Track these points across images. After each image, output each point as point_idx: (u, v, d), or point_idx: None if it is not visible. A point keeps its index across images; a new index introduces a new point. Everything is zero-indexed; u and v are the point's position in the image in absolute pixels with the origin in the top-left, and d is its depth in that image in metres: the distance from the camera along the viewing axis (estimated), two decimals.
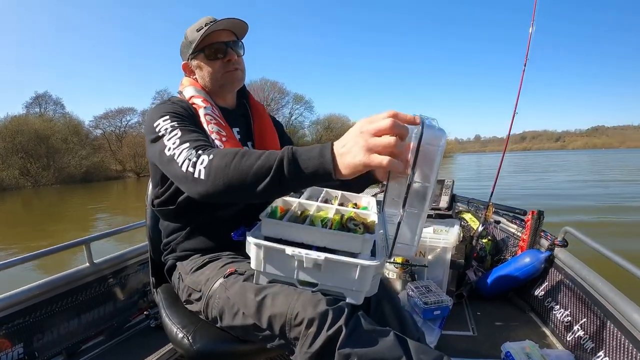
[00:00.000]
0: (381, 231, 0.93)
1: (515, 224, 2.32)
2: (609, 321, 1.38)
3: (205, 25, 1.11)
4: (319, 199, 1.16)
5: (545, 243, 1.94)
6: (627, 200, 10.36)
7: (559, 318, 1.68)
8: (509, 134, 2.47)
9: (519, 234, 2.22)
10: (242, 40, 1.19)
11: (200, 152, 0.82)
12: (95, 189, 23.25)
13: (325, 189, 1.23)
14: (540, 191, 13.37)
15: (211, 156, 0.80)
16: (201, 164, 0.80)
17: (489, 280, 2.06)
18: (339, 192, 1.22)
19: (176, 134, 0.91)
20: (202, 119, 1.06)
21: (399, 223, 0.81)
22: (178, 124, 0.95)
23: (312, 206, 1.04)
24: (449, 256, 2.00)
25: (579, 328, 1.52)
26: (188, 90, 1.14)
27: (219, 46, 1.11)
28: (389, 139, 0.66)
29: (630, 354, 1.26)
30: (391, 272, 2.13)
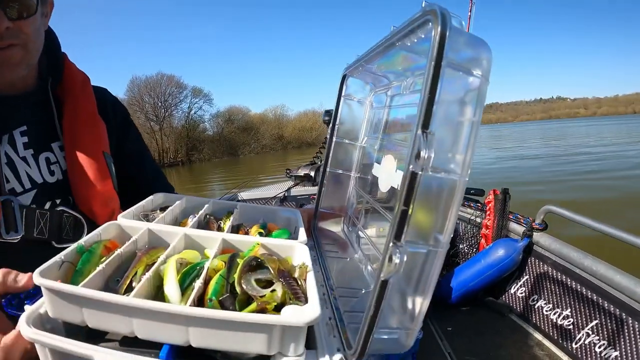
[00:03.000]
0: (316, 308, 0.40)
1: (470, 207, 1.98)
2: (630, 318, 1.06)
3: None
4: (196, 219, 0.62)
5: (517, 228, 1.61)
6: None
7: (553, 320, 1.34)
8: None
9: (477, 219, 1.87)
10: None
11: None
12: None
13: (218, 200, 0.72)
14: None
15: None
16: None
17: (453, 284, 1.66)
18: (238, 204, 0.70)
19: None
20: None
21: (384, 282, 0.38)
22: None
23: (175, 237, 0.55)
24: None
25: (589, 333, 1.19)
26: None
27: None
28: None
29: None
30: None
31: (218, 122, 39.97)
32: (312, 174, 2.95)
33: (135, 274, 0.44)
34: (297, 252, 0.54)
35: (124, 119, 0.95)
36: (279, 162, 24.51)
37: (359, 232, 0.74)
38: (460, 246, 2.02)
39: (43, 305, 0.42)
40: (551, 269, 1.39)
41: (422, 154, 0.31)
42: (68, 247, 0.56)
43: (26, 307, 0.44)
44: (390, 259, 0.35)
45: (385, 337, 0.41)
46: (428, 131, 0.32)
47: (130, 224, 0.59)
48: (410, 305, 0.41)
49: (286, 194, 2.84)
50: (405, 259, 0.35)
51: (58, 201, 0.79)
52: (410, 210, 0.33)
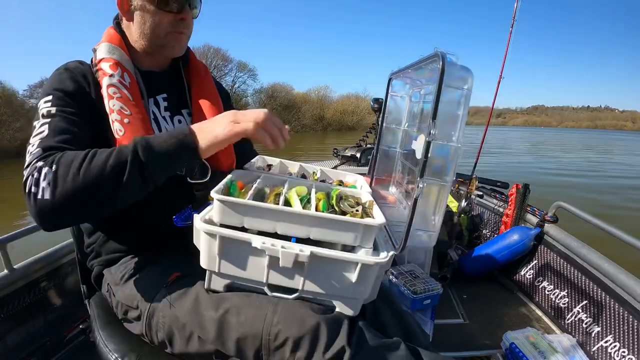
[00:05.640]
0: (382, 218, 0.68)
1: (496, 197, 2.19)
2: (613, 301, 1.28)
3: None
4: (294, 174, 0.89)
5: (532, 219, 1.82)
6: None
7: (552, 300, 1.56)
8: (494, 102, 2.32)
9: (500, 209, 2.09)
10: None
11: (42, 162, 0.64)
12: None
13: (300, 163, 0.98)
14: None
15: (54, 167, 0.63)
16: (44, 179, 0.63)
17: (473, 260, 1.91)
18: (317, 167, 0.96)
19: (43, 131, 0.72)
20: (104, 92, 0.82)
21: (415, 200, 0.60)
22: (57, 110, 0.75)
23: (285, 182, 0.79)
24: None
25: (579, 311, 1.41)
26: (100, 49, 0.87)
27: None
28: (256, 112, 0.69)
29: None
30: None
31: (261, 97, 40.16)
32: (358, 155, 3.21)
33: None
34: (364, 195, 0.79)
35: (227, 99, 1.17)
36: (318, 143, 24.52)
37: (404, 189, 1.01)
38: (484, 231, 2.24)
39: (208, 214, 0.72)
40: (556, 256, 1.61)
41: (432, 131, 0.57)
42: (197, 182, 0.85)
43: (195, 215, 0.66)
44: (419, 186, 0.61)
45: (417, 235, 0.68)
46: (435, 120, 0.58)
47: (249, 171, 0.86)
48: (430, 218, 0.68)
49: None
50: (425, 185, 0.61)
51: None
52: (427, 160, 0.59)
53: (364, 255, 0.63)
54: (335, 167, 3.16)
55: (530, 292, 1.72)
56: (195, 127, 0.69)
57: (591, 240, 1.54)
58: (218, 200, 0.63)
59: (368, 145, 3.42)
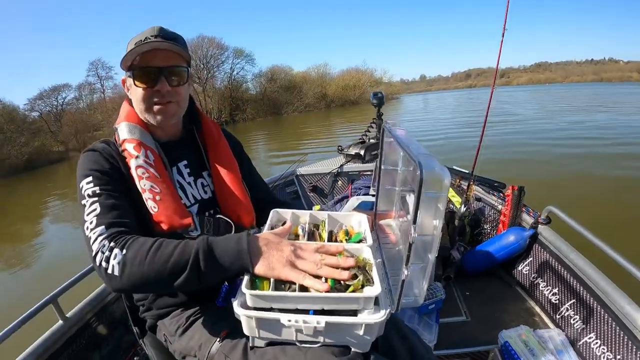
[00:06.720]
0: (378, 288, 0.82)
1: (494, 195, 2.33)
2: (596, 303, 1.43)
3: (144, 40, 0.93)
4: (305, 228, 1.04)
5: (527, 219, 1.96)
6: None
7: (546, 295, 1.73)
8: (498, 63, 2.32)
9: (498, 206, 2.23)
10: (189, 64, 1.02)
11: (113, 244, 0.78)
12: (40, 176, 21.64)
13: (309, 211, 1.12)
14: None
15: (124, 251, 0.77)
16: (114, 258, 0.77)
17: (474, 259, 2.08)
18: (325, 214, 1.11)
19: (95, 209, 0.85)
20: (134, 173, 0.94)
21: (403, 281, 0.76)
22: (100, 189, 0.88)
23: None
24: None
25: (568, 308, 1.57)
26: (122, 130, 0.99)
27: (149, 71, 0.95)
28: (311, 265, 0.78)
29: (619, 339, 1.30)
30: None
31: (261, 81, 39.70)
32: (362, 152, 3.32)
33: None
34: (365, 251, 0.91)
35: (240, 151, 1.26)
36: (323, 122, 24.16)
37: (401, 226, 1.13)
38: (484, 227, 2.40)
39: (242, 296, 0.79)
40: (548, 255, 1.76)
41: (413, 234, 0.70)
42: None
43: (233, 300, 0.78)
44: (404, 273, 0.76)
45: (406, 301, 0.82)
46: (415, 225, 0.71)
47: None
48: (419, 283, 0.82)
49: (339, 170, 3.27)
50: (409, 272, 0.76)
51: (211, 211, 1.07)
52: (410, 254, 0.74)
53: (366, 316, 0.79)
54: (341, 166, 3.29)
55: (527, 287, 1.89)
56: (257, 247, 0.78)
57: (583, 239, 1.65)
58: (250, 295, 0.76)
59: (371, 141, 3.53)
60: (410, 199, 0.94)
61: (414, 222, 0.69)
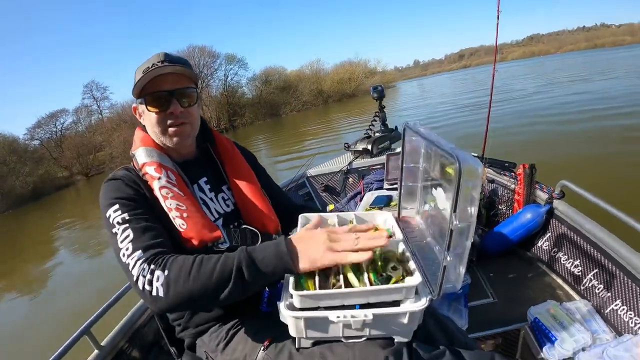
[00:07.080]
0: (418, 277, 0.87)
1: (505, 175, 2.36)
2: (618, 270, 1.47)
3: (151, 67, 0.97)
4: (334, 224, 1.09)
5: (542, 195, 2.00)
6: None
7: (568, 268, 1.76)
8: (496, 43, 2.35)
9: (512, 185, 2.26)
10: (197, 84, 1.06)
11: (153, 266, 0.80)
12: (47, 204, 21.80)
13: (336, 214, 1.17)
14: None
15: (166, 271, 0.79)
16: (157, 280, 0.79)
17: (492, 240, 2.12)
18: (352, 215, 1.15)
19: (128, 235, 0.86)
20: (158, 194, 0.97)
21: (445, 267, 0.81)
22: (129, 215, 0.89)
23: None
24: None
25: (591, 278, 1.61)
26: (140, 155, 1.02)
27: (160, 95, 0.99)
28: (349, 243, 0.80)
29: None
30: None
31: (256, 85, 39.81)
32: (369, 147, 3.34)
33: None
34: (399, 245, 0.95)
35: (254, 162, 1.28)
36: (322, 119, 23.89)
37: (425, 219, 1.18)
38: (500, 207, 2.43)
39: (287, 299, 0.83)
40: (566, 229, 1.80)
41: (454, 220, 0.75)
42: None
43: (279, 303, 0.80)
44: (446, 258, 0.80)
45: (445, 286, 0.86)
46: (456, 212, 0.76)
47: None
48: (456, 269, 0.86)
49: (349, 167, 3.29)
50: (450, 258, 0.81)
51: (235, 223, 1.10)
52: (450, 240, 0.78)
53: (409, 305, 0.84)
54: (350, 163, 3.32)
55: (548, 262, 1.92)
56: (291, 248, 0.80)
57: (598, 209, 1.66)
58: (298, 295, 0.79)
59: (377, 134, 3.55)
60: (437, 192, 0.99)
61: (454, 210, 0.73)
